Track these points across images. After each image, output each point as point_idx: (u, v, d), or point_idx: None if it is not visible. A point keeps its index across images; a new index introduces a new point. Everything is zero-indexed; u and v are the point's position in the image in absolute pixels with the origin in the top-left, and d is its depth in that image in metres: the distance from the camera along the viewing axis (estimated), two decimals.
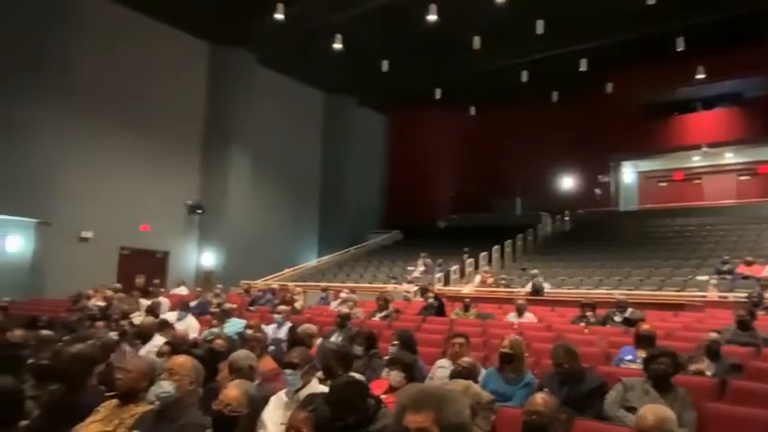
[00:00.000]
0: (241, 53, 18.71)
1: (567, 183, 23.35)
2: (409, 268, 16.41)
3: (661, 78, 19.17)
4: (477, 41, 15.73)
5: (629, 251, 15.96)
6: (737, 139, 19.89)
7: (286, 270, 18.32)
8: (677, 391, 3.97)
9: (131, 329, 6.86)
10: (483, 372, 4.86)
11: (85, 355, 3.79)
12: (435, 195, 24.44)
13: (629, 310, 8.13)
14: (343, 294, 11.42)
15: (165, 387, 2.99)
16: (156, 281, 14.44)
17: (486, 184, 23.42)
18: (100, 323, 7.63)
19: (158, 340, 6.16)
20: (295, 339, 5.79)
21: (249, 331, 6.37)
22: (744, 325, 6.49)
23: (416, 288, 13.33)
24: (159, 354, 4.83)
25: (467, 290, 13.65)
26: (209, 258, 18.36)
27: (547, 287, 13.17)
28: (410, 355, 4.52)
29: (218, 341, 5.65)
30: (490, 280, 14.52)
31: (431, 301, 10.14)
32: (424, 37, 16.44)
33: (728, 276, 11.98)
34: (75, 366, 3.63)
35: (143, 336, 6.44)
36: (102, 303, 10.59)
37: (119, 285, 13.12)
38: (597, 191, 22.45)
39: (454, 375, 4.06)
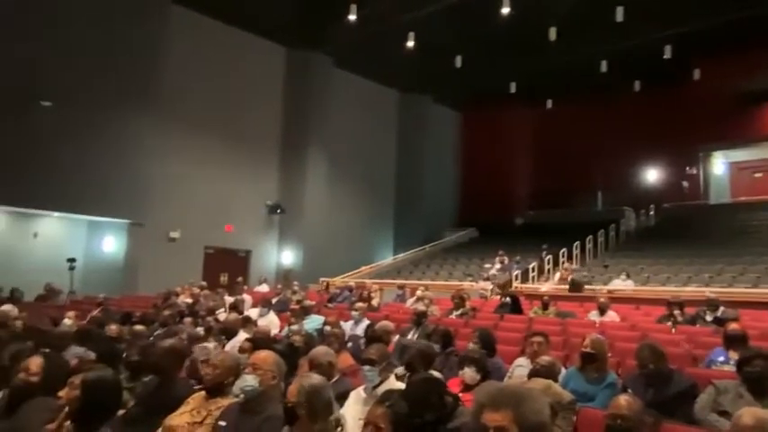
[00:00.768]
0: (317, 56, 19.11)
1: (652, 176, 22.31)
2: (486, 266, 16.23)
3: (755, 64, 17.97)
4: (552, 32, 15.29)
5: (720, 247, 15.12)
6: None
7: (363, 268, 18.56)
8: None
9: (217, 325, 7.15)
10: (563, 371, 4.75)
11: (176, 349, 4.00)
12: (512, 192, 24.00)
13: (721, 308, 7.65)
14: (419, 292, 11.44)
15: (249, 381, 3.10)
16: (239, 279, 14.99)
17: (565, 179, 22.69)
18: (188, 319, 7.98)
19: (242, 336, 6.39)
20: (373, 336, 5.85)
21: (328, 328, 6.51)
22: None
23: (492, 286, 13.17)
24: (241, 350, 5.00)
25: (546, 288, 13.34)
26: (288, 257, 18.87)
27: (630, 285, 12.71)
28: (480, 352, 4.46)
29: (297, 337, 5.80)
30: (570, 277, 14.12)
31: (505, 299, 9.98)
32: (498, 31, 16.12)
33: None
34: (168, 360, 3.84)
35: (228, 332, 6.70)
36: (189, 300, 11.09)
37: (204, 283, 13.72)
38: (685, 183, 21.32)
39: (533, 374, 3.99)
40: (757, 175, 21.29)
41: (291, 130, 19.05)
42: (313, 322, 8.08)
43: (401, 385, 3.66)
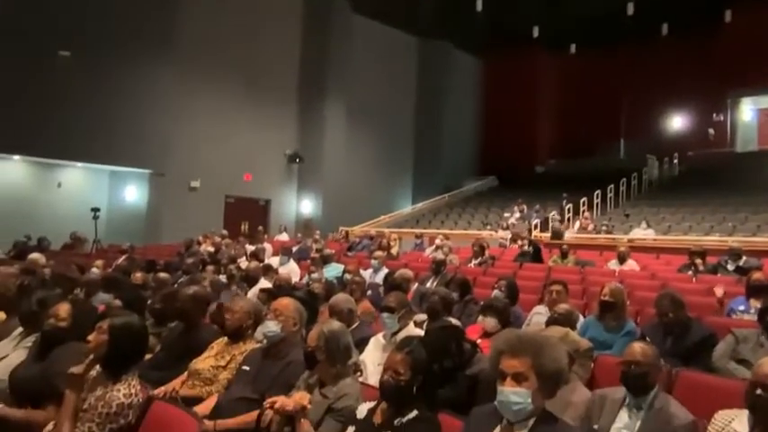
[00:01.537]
0: (335, 1, 18.70)
1: (677, 123, 21.79)
2: (505, 215, 16.18)
3: None
4: None
5: (745, 195, 14.81)
6: None
7: (382, 217, 18.63)
8: None
9: (239, 273, 7.26)
10: (582, 319, 4.78)
11: (200, 296, 4.08)
12: (533, 140, 23.65)
13: (744, 258, 7.53)
14: (437, 241, 11.48)
15: (271, 327, 3.17)
16: (260, 228, 15.14)
17: (588, 126, 22.27)
18: (210, 267, 8.12)
19: (264, 283, 6.50)
20: (392, 284, 5.91)
21: (348, 276, 6.59)
22: None
23: (511, 235, 13.16)
24: (259, 299, 5.09)
25: (565, 236, 13.29)
26: (307, 206, 18.98)
27: (651, 234, 12.60)
28: (503, 301, 4.49)
29: (317, 285, 5.88)
30: (590, 226, 14.06)
31: (526, 248, 9.98)
32: None
33: None
34: (191, 306, 3.92)
35: (249, 279, 6.82)
36: (211, 249, 11.26)
37: (225, 232, 13.91)
38: (711, 131, 20.80)
39: (550, 322, 4.01)
40: None
41: (310, 79, 18.83)
42: (333, 270, 8.18)
43: (420, 332, 3.71)
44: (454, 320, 4.01)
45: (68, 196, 15.05)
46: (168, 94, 15.08)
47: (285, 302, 3.35)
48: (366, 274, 7.89)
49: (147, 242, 13.79)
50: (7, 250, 11.30)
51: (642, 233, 12.68)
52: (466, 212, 18.73)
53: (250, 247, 10.91)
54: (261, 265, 7.70)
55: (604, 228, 13.85)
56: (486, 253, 9.49)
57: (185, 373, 3.39)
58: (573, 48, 20.60)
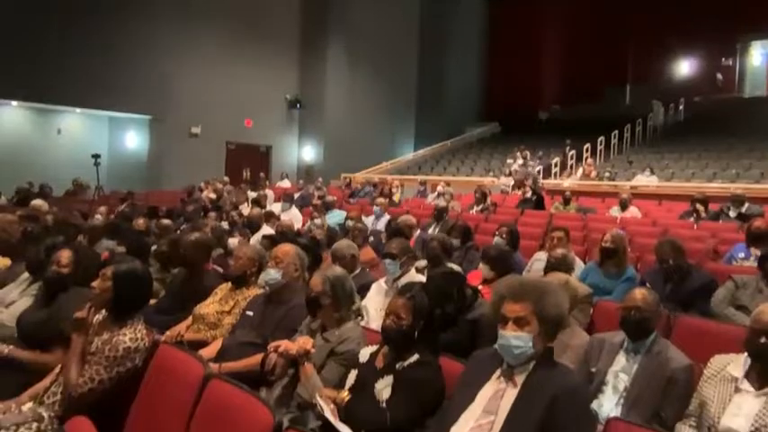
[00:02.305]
0: None
1: (685, 68, 21.40)
2: (507, 161, 16.10)
3: None
4: None
5: (751, 142, 14.65)
6: None
7: (384, 163, 18.53)
8: None
9: (240, 220, 7.28)
10: (582, 265, 4.80)
11: (203, 242, 4.10)
12: (537, 85, 23.31)
13: (747, 204, 7.49)
14: (440, 188, 11.45)
15: (272, 274, 3.20)
16: (261, 174, 15.08)
17: (593, 71, 21.86)
18: (212, 214, 8.13)
19: (267, 230, 6.52)
20: (394, 231, 5.92)
21: (350, 222, 6.61)
22: None
23: (513, 181, 13.11)
24: (262, 245, 5.10)
25: (567, 183, 13.26)
26: (309, 152, 18.86)
27: (654, 180, 12.55)
28: (499, 248, 4.45)
29: (319, 231, 5.90)
30: (593, 173, 14.00)
31: (528, 195, 9.96)
32: None
33: None
34: (195, 252, 3.94)
35: (252, 225, 6.85)
36: (213, 195, 11.26)
37: (227, 179, 13.88)
38: (719, 76, 20.45)
39: (548, 268, 4.04)
40: None
41: (311, 23, 18.39)
42: (335, 217, 8.19)
43: (422, 278, 3.74)
44: (456, 266, 4.03)
45: (68, 143, 14.96)
46: (168, 38, 14.79)
47: (285, 249, 3.36)
48: (368, 220, 7.92)
49: (148, 188, 13.79)
50: (9, 197, 11.32)
51: (645, 180, 12.63)
52: (468, 159, 18.63)
53: (252, 194, 10.90)
54: (263, 211, 7.71)
55: (607, 175, 13.79)
56: (488, 200, 9.49)
57: (190, 318, 3.44)
58: None
